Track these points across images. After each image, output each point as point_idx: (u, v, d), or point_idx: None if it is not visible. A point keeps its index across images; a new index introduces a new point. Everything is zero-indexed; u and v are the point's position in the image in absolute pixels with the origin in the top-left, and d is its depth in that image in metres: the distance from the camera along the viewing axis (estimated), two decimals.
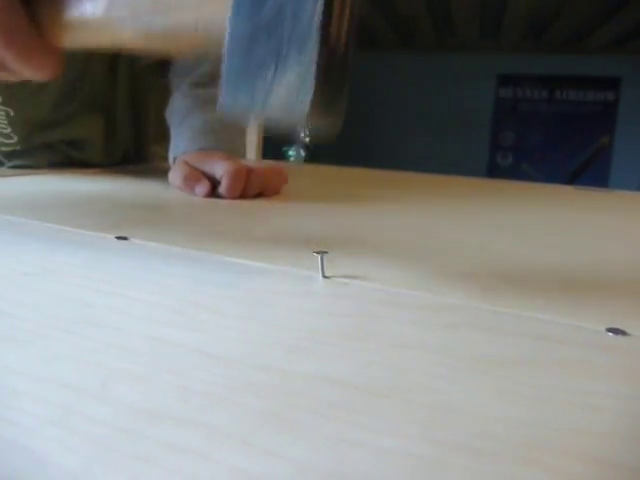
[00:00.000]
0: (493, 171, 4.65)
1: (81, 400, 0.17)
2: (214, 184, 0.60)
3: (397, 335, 0.23)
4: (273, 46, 0.26)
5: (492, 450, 0.15)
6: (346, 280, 0.31)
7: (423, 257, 0.38)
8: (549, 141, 4.53)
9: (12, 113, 0.76)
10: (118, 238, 0.38)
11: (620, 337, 0.24)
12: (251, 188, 0.60)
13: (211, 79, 0.73)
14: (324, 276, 0.30)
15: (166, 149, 0.73)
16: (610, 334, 0.24)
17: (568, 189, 0.93)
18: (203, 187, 0.60)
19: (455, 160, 4.48)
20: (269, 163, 0.66)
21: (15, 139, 0.78)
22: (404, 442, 0.16)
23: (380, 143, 4.54)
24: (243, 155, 0.73)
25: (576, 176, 4.39)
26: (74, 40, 0.34)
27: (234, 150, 0.69)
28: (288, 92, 0.26)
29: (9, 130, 0.77)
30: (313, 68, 0.25)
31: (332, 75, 0.27)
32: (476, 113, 4.63)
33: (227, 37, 0.27)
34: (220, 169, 0.60)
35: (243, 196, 0.60)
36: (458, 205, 0.67)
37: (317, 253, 0.30)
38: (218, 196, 0.60)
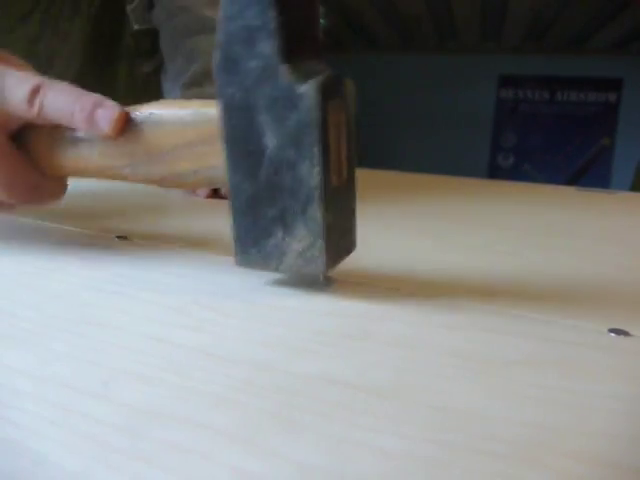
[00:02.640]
0: (494, 172, 4.65)
1: (82, 400, 0.17)
2: None
3: (399, 336, 0.23)
4: (278, 208, 0.26)
5: (494, 450, 0.15)
6: (348, 281, 0.31)
7: (424, 258, 0.38)
8: (550, 142, 4.53)
9: None
10: (118, 238, 0.38)
11: (622, 338, 0.24)
12: None
13: (204, 77, 0.74)
14: (325, 277, 0.30)
15: None
16: (612, 334, 0.24)
17: (569, 190, 0.93)
18: (206, 189, 0.60)
19: (456, 161, 4.48)
20: None
21: None
22: (406, 443, 0.15)
23: (381, 144, 4.54)
24: None
25: (577, 177, 4.38)
26: (71, 173, 0.34)
27: None
28: (300, 255, 0.26)
29: None
30: (321, 232, 0.25)
31: (340, 219, 0.27)
32: (477, 114, 4.63)
33: (230, 193, 0.27)
34: None
35: None
36: (459, 206, 0.67)
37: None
38: (219, 197, 0.60)
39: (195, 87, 0.72)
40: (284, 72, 0.24)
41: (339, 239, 0.27)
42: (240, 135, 0.26)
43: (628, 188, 3.26)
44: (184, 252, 0.35)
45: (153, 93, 0.90)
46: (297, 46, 0.25)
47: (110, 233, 0.39)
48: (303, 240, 0.26)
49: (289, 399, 0.18)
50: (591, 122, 4.44)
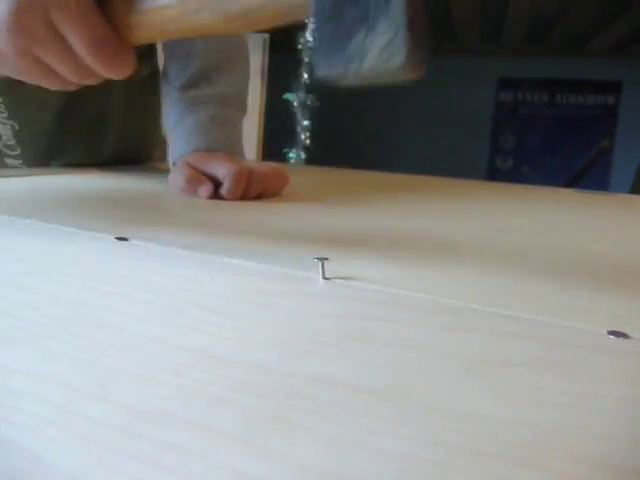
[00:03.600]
0: (493, 174, 4.66)
1: (80, 400, 0.17)
2: (216, 185, 0.60)
3: (398, 337, 0.23)
4: (361, 10, 0.26)
5: (493, 452, 0.15)
6: (347, 281, 0.31)
7: (423, 259, 0.38)
8: (549, 144, 4.54)
9: (17, 127, 0.79)
10: (118, 239, 0.38)
11: (621, 340, 0.24)
12: (252, 189, 0.60)
13: (201, 77, 0.74)
14: (324, 277, 0.30)
15: (164, 152, 0.74)
16: (612, 337, 0.24)
17: (568, 192, 0.93)
18: (206, 189, 0.60)
19: (455, 163, 4.49)
20: (270, 164, 0.66)
21: (19, 150, 0.82)
22: (406, 444, 0.15)
23: (380, 146, 4.54)
24: (241, 152, 0.73)
25: (576, 179, 4.39)
26: (151, 34, 0.34)
27: (231, 147, 0.70)
28: (380, 54, 0.27)
29: (13, 142, 0.81)
30: (402, 28, 0.26)
31: (418, 31, 0.27)
32: (476, 116, 4.64)
33: (313, 6, 0.28)
34: (222, 170, 0.60)
35: (244, 197, 0.60)
36: (458, 207, 0.67)
37: (318, 259, 0.30)
38: (219, 197, 0.60)
39: (193, 89, 0.72)
40: None
41: (419, 41, 0.28)
42: None
43: (627, 190, 3.26)
44: (184, 253, 0.35)
45: (149, 96, 0.90)
46: None
47: (110, 233, 0.39)
48: (386, 34, 0.26)
49: (288, 400, 0.18)
50: (590, 125, 4.45)
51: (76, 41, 0.34)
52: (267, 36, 2.59)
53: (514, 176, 4.54)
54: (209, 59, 0.73)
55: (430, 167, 4.11)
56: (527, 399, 0.18)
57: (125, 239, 0.38)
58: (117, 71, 0.36)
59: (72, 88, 0.41)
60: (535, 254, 0.41)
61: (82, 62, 0.36)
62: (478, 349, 0.22)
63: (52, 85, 0.40)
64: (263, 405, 0.17)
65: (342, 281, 0.31)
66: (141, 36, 0.35)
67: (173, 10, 0.32)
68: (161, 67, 0.81)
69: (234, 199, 0.59)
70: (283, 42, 2.36)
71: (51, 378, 0.18)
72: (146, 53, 0.87)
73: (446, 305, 0.27)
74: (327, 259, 0.30)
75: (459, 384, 0.19)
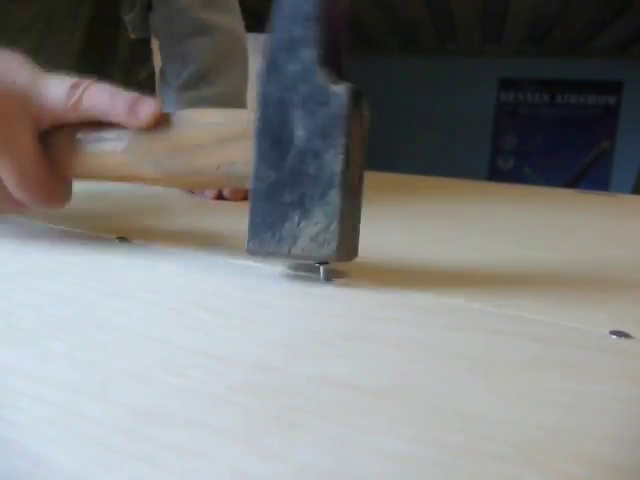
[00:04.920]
0: (494, 175, 4.65)
1: (80, 400, 0.17)
2: None
3: (400, 337, 0.23)
4: (297, 194, 0.28)
5: (496, 452, 0.15)
6: (347, 282, 0.31)
7: (424, 259, 0.38)
8: (550, 145, 4.53)
9: None
10: (119, 239, 0.38)
11: (624, 340, 0.24)
12: None
13: (200, 78, 0.74)
14: (325, 277, 0.30)
15: None
16: (614, 337, 0.24)
17: (569, 192, 0.93)
18: (213, 190, 0.60)
19: (456, 164, 4.49)
20: None
21: None
22: (408, 444, 0.15)
23: (381, 146, 4.54)
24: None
25: (577, 180, 4.39)
26: (89, 172, 0.35)
27: None
28: (312, 241, 0.28)
29: None
30: (337, 216, 0.27)
31: (351, 215, 0.29)
32: (477, 117, 4.64)
33: (252, 182, 0.29)
34: None
35: (246, 198, 0.60)
36: (459, 208, 0.67)
37: (319, 264, 0.30)
38: (222, 198, 0.60)
39: (192, 89, 0.72)
40: (320, 74, 0.28)
41: (350, 231, 0.29)
42: (272, 127, 0.28)
43: (628, 191, 3.26)
44: (184, 252, 0.35)
45: None
46: (330, 56, 0.28)
47: (110, 233, 0.39)
48: (318, 223, 0.28)
49: (289, 400, 0.17)
50: (591, 125, 4.45)
51: (6, 175, 0.33)
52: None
53: (515, 176, 4.53)
54: (208, 60, 0.73)
55: (430, 167, 4.11)
56: (529, 399, 0.18)
57: (126, 239, 0.38)
58: (46, 206, 0.35)
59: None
60: (536, 254, 0.41)
61: (10, 193, 0.34)
62: (480, 349, 0.22)
63: None
64: (264, 405, 0.17)
65: (343, 281, 0.31)
66: (79, 174, 0.35)
67: (116, 157, 0.33)
68: (157, 68, 0.80)
69: (237, 200, 0.59)
70: None
71: (51, 378, 0.18)
72: (142, 56, 0.87)
73: (447, 305, 0.27)
74: (327, 263, 0.30)
75: (460, 384, 0.19)
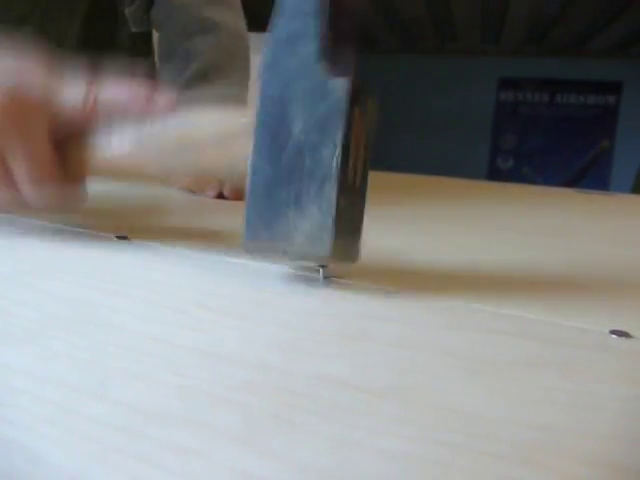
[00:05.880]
0: (494, 174, 4.65)
1: (80, 399, 0.17)
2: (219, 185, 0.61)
3: (400, 336, 0.23)
4: (293, 189, 0.27)
5: (495, 452, 0.15)
6: (347, 281, 0.31)
7: (424, 258, 0.38)
8: (550, 144, 4.53)
9: None
10: (118, 238, 0.38)
11: (623, 339, 0.24)
12: None
13: (202, 77, 0.73)
14: (325, 277, 0.30)
15: None
16: (614, 336, 0.24)
17: (569, 192, 0.93)
18: (213, 188, 0.60)
19: (456, 163, 4.48)
20: None
21: None
22: (407, 444, 0.15)
23: (380, 145, 4.54)
24: None
25: (577, 179, 4.39)
26: (99, 171, 0.36)
27: None
28: (309, 235, 0.27)
29: None
30: (332, 212, 0.27)
31: (350, 215, 0.28)
32: (477, 116, 4.64)
33: (249, 178, 0.29)
34: None
35: None
36: (459, 207, 0.67)
37: (319, 266, 0.30)
38: (222, 197, 0.60)
39: (195, 87, 0.72)
40: (320, 70, 0.27)
41: (348, 232, 0.28)
42: (271, 122, 0.28)
43: (627, 190, 3.26)
44: (184, 252, 0.35)
45: None
46: (334, 51, 0.28)
47: (110, 233, 0.39)
48: (313, 219, 0.27)
49: (289, 399, 0.17)
50: (591, 125, 4.44)
51: (20, 174, 0.33)
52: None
53: (514, 176, 4.53)
54: (210, 59, 0.73)
55: (430, 167, 4.11)
56: (528, 398, 0.18)
57: (126, 238, 0.38)
58: (60, 207, 0.36)
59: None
60: (535, 253, 0.41)
61: (21, 193, 0.34)
62: (479, 349, 0.22)
63: None
64: (264, 404, 0.17)
65: (343, 281, 0.31)
66: (91, 171, 0.36)
67: (122, 157, 0.34)
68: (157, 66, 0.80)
69: (237, 199, 0.59)
70: None
71: (51, 377, 0.18)
72: (143, 49, 0.86)
73: (447, 305, 0.27)
74: (325, 266, 0.30)
75: (460, 384, 0.19)
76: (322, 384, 0.19)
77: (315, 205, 0.27)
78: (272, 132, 0.28)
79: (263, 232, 0.28)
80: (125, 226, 0.42)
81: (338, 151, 0.27)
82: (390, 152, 4.55)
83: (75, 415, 0.16)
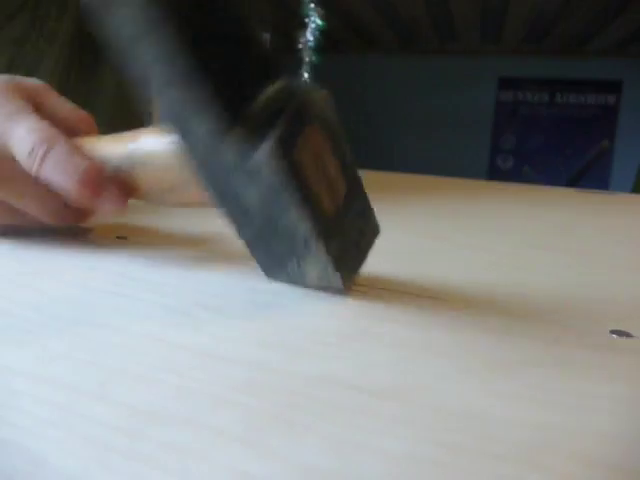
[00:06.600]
0: (494, 174, 4.65)
1: (81, 400, 0.17)
2: None
3: (400, 337, 0.23)
4: (285, 245, 0.26)
5: (496, 452, 0.15)
6: (347, 282, 0.30)
7: (424, 258, 0.38)
8: (550, 144, 4.53)
9: None
10: (118, 238, 0.38)
11: (624, 339, 0.24)
12: None
13: None
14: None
15: None
16: (614, 336, 0.24)
17: (569, 192, 0.93)
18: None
19: (456, 163, 4.48)
20: None
21: None
22: (408, 444, 0.15)
23: (380, 145, 4.54)
24: None
25: (577, 179, 4.38)
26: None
27: None
28: (320, 277, 0.27)
29: None
30: (330, 260, 0.26)
31: (347, 235, 0.27)
32: (477, 116, 4.63)
33: (237, 233, 0.28)
34: None
35: None
36: (459, 207, 0.67)
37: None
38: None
39: None
40: (232, 142, 0.24)
41: (350, 255, 0.28)
42: (229, 201, 0.26)
43: (627, 190, 3.26)
44: (184, 252, 0.35)
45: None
46: (238, 103, 0.24)
47: (110, 233, 0.39)
48: (316, 267, 0.27)
49: (289, 400, 0.17)
50: (590, 124, 4.44)
51: (61, 178, 0.32)
52: (267, 36, 2.59)
53: (514, 176, 4.53)
54: None
55: (430, 166, 4.11)
56: (529, 398, 0.18)
57: (125, 238, 0.38)
58: (64, 222, 0.36)
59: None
60: (535, 253, 0.41)
61: (63, 203, 0.34)
62: (479, 348, 0.22)
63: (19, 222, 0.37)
64: (264, 405, 0.17)
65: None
66: None
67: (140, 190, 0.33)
68: None
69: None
70: (283, 42, 2.36)
71: (51, 378, 0.18)
72: None
73: (446, 305, 0.27)
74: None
75: (461, 384, 0.19)
76: (322, 384, 0.19)
77: (311, 258, 0.26)
78: (235, 209, 0.27)
79: (277, 271, 0.29)
80: (125, 227, 0.42)
81: (303, 212, 0.24)
82: (389, 152, 4.55)
83: (76, 416, 0.16)
